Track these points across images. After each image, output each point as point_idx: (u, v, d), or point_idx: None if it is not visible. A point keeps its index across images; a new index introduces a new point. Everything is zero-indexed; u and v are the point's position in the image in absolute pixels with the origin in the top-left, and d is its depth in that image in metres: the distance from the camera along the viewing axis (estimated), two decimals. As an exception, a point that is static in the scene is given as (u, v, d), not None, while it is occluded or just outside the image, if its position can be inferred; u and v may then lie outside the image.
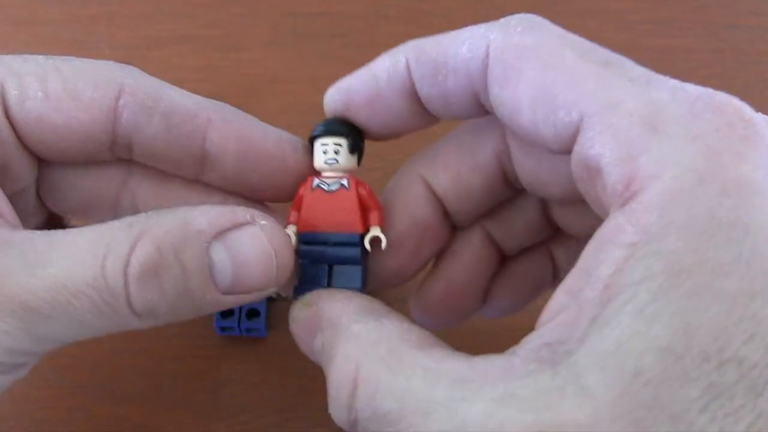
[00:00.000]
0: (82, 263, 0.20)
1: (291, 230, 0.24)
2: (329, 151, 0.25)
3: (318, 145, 0.25)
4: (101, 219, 0.23)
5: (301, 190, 0.25)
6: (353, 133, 0.25)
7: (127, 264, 0.20)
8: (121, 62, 0.25)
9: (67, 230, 0.21)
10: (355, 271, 0.24)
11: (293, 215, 0.25)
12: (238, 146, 0.25)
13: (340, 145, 0.25)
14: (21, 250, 0.20)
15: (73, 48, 0.41)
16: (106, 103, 0.23)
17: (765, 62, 0.41)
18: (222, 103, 0.25)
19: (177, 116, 0.24)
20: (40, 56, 0.24)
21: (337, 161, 0.25)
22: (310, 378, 0.30)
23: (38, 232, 0.21)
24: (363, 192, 0.25)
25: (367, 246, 0.24)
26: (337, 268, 0.25)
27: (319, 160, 0.25)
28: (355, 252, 0.24)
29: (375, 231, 0.24)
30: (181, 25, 0.42)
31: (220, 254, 0.21)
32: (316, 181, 0.25)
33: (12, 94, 0.23)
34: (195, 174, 0.25)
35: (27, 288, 0.20)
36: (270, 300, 0.33)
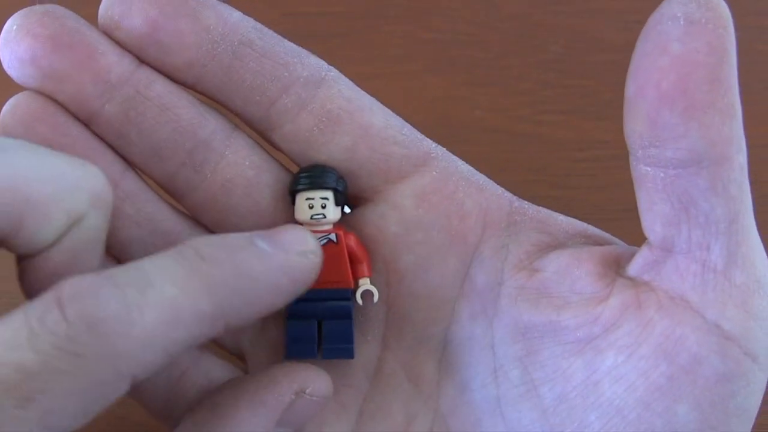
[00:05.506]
0: None
1: None
2: (315, 206, 0.23)
3: (302, 199, 0.23)
4: None
5: None
6: (340, 183, 0.24)
7: None
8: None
9: None
10: (347, 325, 0.24)
11: None
12: None
13: (326, 198, 0.23)
14: None
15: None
16: None
17: (765, 62, 0.41)
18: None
19: None
20: None
21: (325, 216, 0.23)
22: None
23: None
24: (351, 244, 0.24)
25: (359, 300, 0.24)
26: (327, 324, 0.24)
27: (303, 215, 0.23)
28: (346, 306, 0.24)
29: (365, 285, 0.24)
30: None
31: None
32: None
33: None
34: None
35: None
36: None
